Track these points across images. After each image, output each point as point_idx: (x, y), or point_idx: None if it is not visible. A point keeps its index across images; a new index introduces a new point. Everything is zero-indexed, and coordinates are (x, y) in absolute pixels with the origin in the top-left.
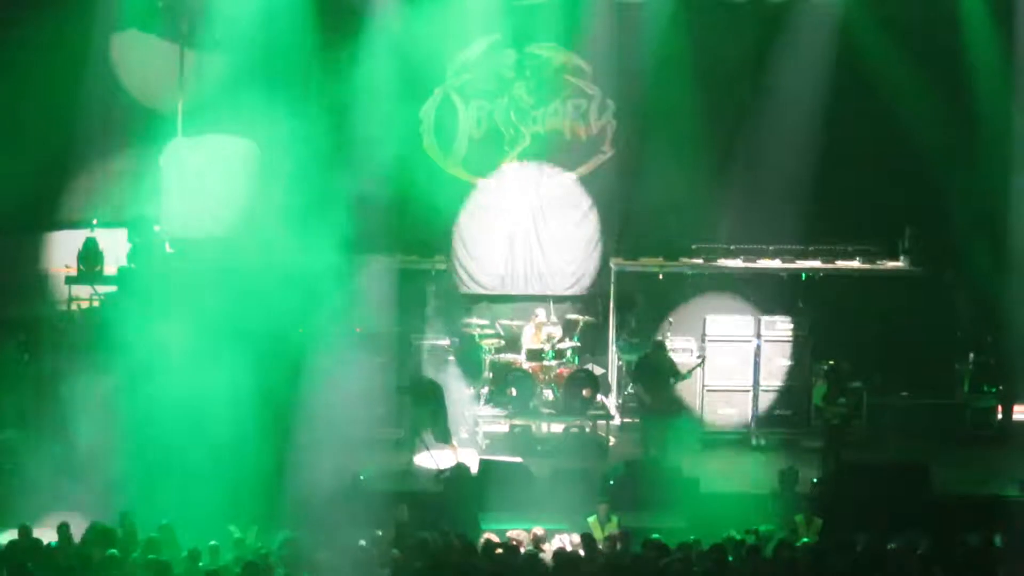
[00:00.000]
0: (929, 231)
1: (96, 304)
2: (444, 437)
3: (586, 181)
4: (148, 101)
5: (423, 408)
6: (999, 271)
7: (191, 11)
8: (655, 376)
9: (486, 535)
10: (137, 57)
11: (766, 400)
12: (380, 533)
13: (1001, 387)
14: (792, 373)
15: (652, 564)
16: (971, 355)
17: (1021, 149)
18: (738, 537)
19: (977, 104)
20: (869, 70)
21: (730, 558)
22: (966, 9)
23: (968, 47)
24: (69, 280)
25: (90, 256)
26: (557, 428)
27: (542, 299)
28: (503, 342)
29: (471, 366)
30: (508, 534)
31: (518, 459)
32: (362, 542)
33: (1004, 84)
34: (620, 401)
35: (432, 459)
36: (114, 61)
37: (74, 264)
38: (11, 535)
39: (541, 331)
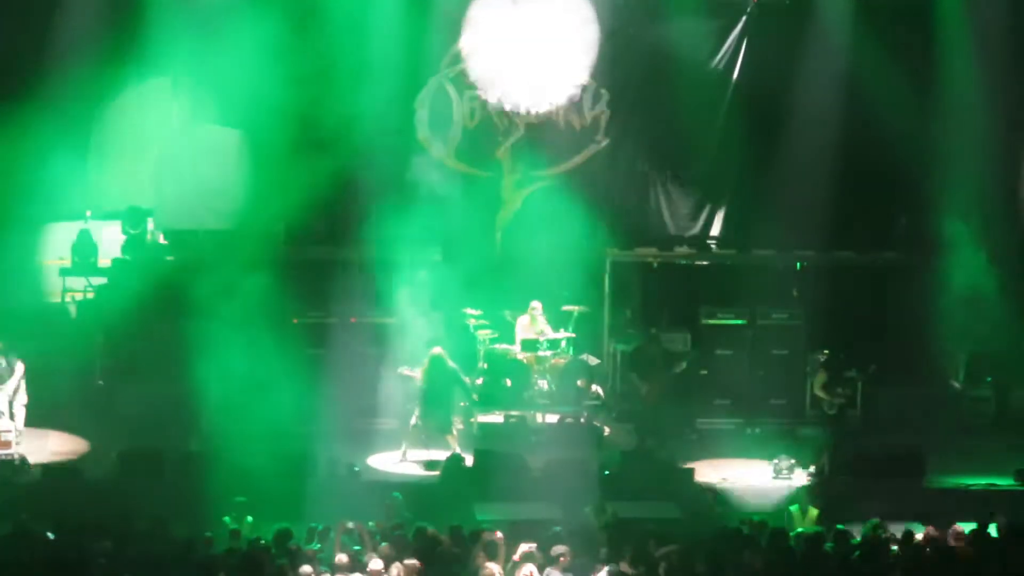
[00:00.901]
0: (921, 221)
1: (90, 296)
2: (445, 427)
3: (580, 171)
4: None
5: (435, 390)
6: (991, 260)
7: None
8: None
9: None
10: None
11: (760, 389)
12: (372, 524)
13: (996, 376)
14: (787, 362)
15: (648, 554)
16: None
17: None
18: (733, 527)
19: (949, 93)
20: (856, 62)
21: (725, 548)
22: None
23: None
24: (63, 272)
25: (84, 247)
26: (552, 418)
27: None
28: (498, 333)
29: (466, 357)
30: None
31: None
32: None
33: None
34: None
35: (427, 450)
36: None
37: (68, 256)
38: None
39: (536, 322)
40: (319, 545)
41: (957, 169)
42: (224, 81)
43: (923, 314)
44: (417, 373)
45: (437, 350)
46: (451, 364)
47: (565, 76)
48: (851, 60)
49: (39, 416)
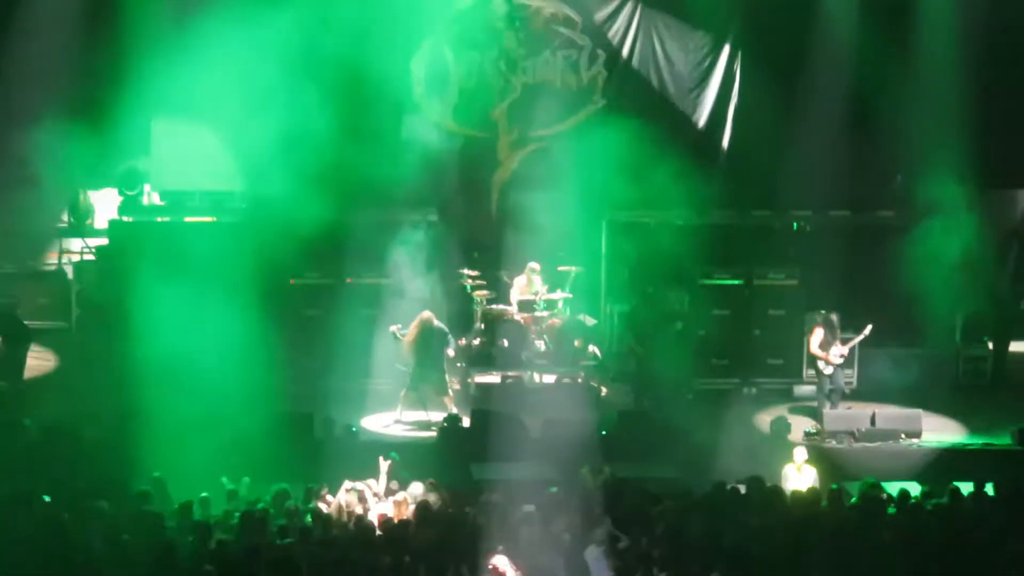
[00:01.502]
0: (917, 181)
1: (88, 257)
2: (440, 389)
3: (577, 132)
4: None
5: (428, 353)
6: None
7: None
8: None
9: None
10: None
11: (757, 350)
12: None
13: (994, 336)
14: (784, 323)
15: (645, 513)
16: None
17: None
18: (730, 486)
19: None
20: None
21: (722, 507)
22: None
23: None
24: (60, 233)
25: (80, 209)
26: (549, 379)
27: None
28: (494, 293)
29: (462, 317)
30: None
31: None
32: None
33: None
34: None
35: (424, 410)
36: None
37: (64, 218)
38: None
39: (533, 283)
40: (318, 505)
41: (949, 130)
42: (221, 38)
43: (919, 274)
44: (408, 335)
45: (426, 314)
46: (440, 325)
47: None
48: (850, 24)
49: (42, 378)
